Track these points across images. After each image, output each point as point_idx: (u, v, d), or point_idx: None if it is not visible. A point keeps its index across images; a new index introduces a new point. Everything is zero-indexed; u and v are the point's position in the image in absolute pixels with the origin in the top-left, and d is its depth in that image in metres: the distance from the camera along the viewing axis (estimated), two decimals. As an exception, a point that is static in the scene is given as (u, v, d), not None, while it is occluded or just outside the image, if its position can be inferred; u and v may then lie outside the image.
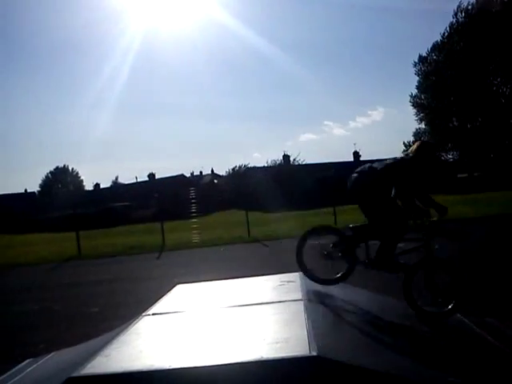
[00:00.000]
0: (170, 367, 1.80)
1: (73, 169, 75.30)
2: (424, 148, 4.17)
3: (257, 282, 3.79)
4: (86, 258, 15.71)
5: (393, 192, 4.16)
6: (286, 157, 49.99)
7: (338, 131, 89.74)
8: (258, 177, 40.03)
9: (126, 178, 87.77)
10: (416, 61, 41.23)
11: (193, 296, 3.39)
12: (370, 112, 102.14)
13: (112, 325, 5.13)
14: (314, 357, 1.76)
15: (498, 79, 38.93)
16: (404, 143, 44.23)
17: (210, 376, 1.75)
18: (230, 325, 2.47)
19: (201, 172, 63.67)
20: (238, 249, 14.58)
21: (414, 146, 4.23)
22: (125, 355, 2.05)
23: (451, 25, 39.33)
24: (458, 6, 38.72)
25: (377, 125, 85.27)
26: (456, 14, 38.93)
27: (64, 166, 74.37)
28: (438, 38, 40.35)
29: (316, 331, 2.08)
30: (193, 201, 22.82)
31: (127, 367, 1.85)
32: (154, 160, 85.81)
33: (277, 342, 2.00)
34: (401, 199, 4.13)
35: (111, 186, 67.39)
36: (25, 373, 2.56)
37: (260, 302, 2.87)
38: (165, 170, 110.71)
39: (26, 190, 67.57)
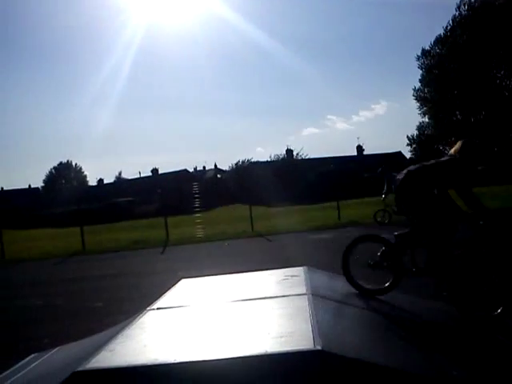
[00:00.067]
0: (175, 361, 1.80)
1: (76, 164, 75.48)
2: (468, 147, 4.12)
3: (261, 276, 3.79)
4: (90, 253, 15.75)
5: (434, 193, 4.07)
6: (289, 151, 49.93)
7: (341, 125, 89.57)
8: (262, 171, 40.00)
9: (130, 173, 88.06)
10: (419, 54, 41.03)
11: (197, 290, 3.40)
12: (373, 106, 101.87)
13: (116, 319, 5.15)
14: (318, 351, 1.76)
15: (502, 72, 38.69)
16: (408, 137, 44.12)
17: (214, 370, 1.75)
18: (234, 319, 2.47)
19: (204, 167, 63.67)
20: (241, 243, 14.59)
21: (458, 146, 4.18)
22: (129, 349, 2.06)
23: (454, 18, 39.11)
24: (461, -1, 38.52)
25: (380, 119, 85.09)
26: (459, 7, 38.71)
27: (67, 161, 74.54)
28: (441, 31, 40.16)
29: (320, 326, 2.08)
30: (196, 196, 22.84)
31: (132, 361, 1.85)
32: (157, 155, 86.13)
33: (281, 336, 2.00)
34: (444, 199, 4.03)
35: (115, 181, 67.53)
36: (31, 367, 2.58)
37: (264, 296, 2.88)
38: (168, 164, 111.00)
39: (29, 186, 67.82)
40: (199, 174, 58.33)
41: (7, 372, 2.52)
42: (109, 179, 67.85)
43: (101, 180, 65.32)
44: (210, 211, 30.68)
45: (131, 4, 75.94)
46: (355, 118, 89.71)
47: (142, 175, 59.71)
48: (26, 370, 2.53)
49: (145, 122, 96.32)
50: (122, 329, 2.39)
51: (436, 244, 4.00)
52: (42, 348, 3.93)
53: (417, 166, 4.26)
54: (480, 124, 38.21)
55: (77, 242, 17.06)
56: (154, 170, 58.59)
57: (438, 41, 40.20)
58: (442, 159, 4.31)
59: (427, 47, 40.86)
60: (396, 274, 4.00)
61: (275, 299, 2.77)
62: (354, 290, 3.81)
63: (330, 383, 1.76)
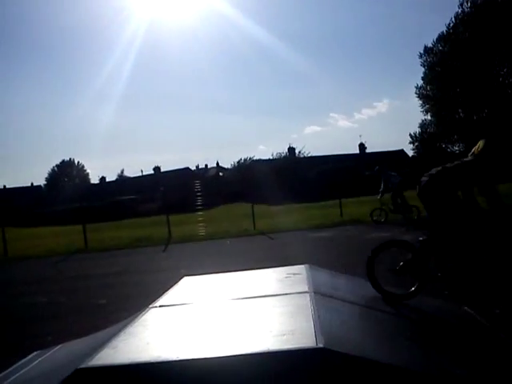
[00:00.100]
0: (178, 358, 1.81)
1: (79, 162, 75.60)
2: (490, 145, 4.09)
3: (263, 274, 3.79)
4: (92, 250, 15.78)
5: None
6: (291, 149, 49.92)
7: (344, 123, 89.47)
8: (264, 170, 39.99)
9: (132, 172, 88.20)
10: (421, 52, 40.96)
11: (199, 288, 3.41)
12: (375, 104, 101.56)
13: (119, 316, 5.16)
14: (320, 349, 1.77)
15: (505, 70, 38.59)
16: (410, 135, 44.08)
17: (216, 367, 1.75)
18: (236, 317, 2.48)
19: (206, 165, 63.67)
20: (243, 241, 14.60)
21: (480, 145, 4.15)
22: (132, 347, 2.06)
23: (457, 15, 39.00)
24: (464, -4, 38.38)
25: (382, 116, 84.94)
26: (462, 4, 38.60)
27: (70, 159, 74.67)
28: (444, 28, 40.06)
29: (322, 323, 2.08)
30: (198, 194, 22.85)
31: (134, 359, 1.86)
32: (159, 153, 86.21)
33: (283, 334, 2.00)
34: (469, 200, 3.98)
35: (117, 179, 67.61)
36: (33, 364, 2.59)
37: (266, 294, 2.88)
38: (170, 163, 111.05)
39: (32, 184, 67.94)
40: (201, 173, 58.34)
41: (10, 369, 2.53)
42: (111, 177, 68.04)
43: (103, 178, 65.44)
44: (212, 209, 30.69)
45: (133, 2, 75.90)
46: (357, 116, 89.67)
47: (145, 173, 59.78)
48: (28, 368, 2.54)
49: (147, 120, 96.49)
50: (125, 326, 2.40)
51: (460, 248, 3.98)
52: (46, 345, 3.95)
53: (439, 168, 4.20)
54: (482, 122, 38.11)
55: (79, 240, 17.10)
56: (156, 168, 58.64)
57: (441, 38, 40.09)
58: (466, 159, 4.26)
59: (430, 45, 40.80)
60: (421, 279, 3.97)
61: (277, 297, 2.77)
62: (356, 288, 3.81)
63: (332, 381, 1.76)
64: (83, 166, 76.08)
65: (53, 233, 24.99)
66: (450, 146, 42.45)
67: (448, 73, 37.97)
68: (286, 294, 2.82)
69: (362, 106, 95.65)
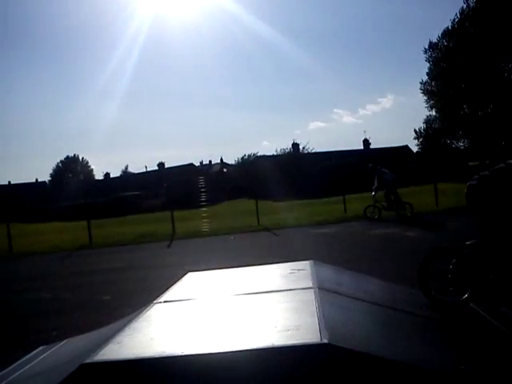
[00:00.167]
0: (182, 354, 1.81)
1: (83, 158, 75.80)
2: None
3: (267, 270, 3.79)
4: (97, 246, 15.82)
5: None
6: (295, 145, 49.81)
7: (348, 119, 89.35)
8: (267, 165, 39.97)
9: (136, 168, 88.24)
10: (426, 47, 40.73)
11: (204, 284, 3.41)
12: (379, 99, 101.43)
13: (124, 312, 5.17)
14: (324, 344, 1.77)
15: (510, 65, 38.30)
16: (415, 131, 43.91)
17: (221, 362, 1.76)
18: (240, 312, 2.48)
19: (210, 161, 63.75)
20: (247, 237, 14.60)
21: None
22: (137, 342, 2.07)
23: (462, 10, 38.74)
24: (470, -9, 38.13)
25: (387, 112, 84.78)
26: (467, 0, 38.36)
27: (74, 155, 74.85)
28: (449, 23, 39.82)
29: (327, 319, 2.08)
30: (202, 190, 22.87)
31: (139, 354, 1.86)
32: (163, 149, 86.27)
33: (288, 330, 2.00)
34: None
35: (121, 175, 67.77)
36: (39, 359, 2.60)
37: (271, 289, 2.88)
38: (174, 159, 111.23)
39: (36, 180, 68.18)
40: (205, 168, 58.42)
41: (16, 364, 2.54)
42: (115, 173, 68.17)
43: (107, 174, 65.57)
44: (216, 205, 30.70)
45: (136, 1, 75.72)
46: (362, 112, 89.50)
47: (149, 169, 59.88)
48: (34, 362, 2.55)
49: (151, 116, 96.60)
50: (130, 322, 2.40)
51: None
52: (50, 340, 3.97)
53: (486, 172, 4.10)
54: (488, 118, 37.94)
55: (84, 236, 17.14)
56: (161, 164, 58.68)
57: (446, 33, 39.85)
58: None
59: (435, 40, 40.56)
60: (473, 285, 3.90)
61: (281, 293, 2.77)
62: (360, 284, 3.80)
63: (337, 376, 1.76)
64: (87, 162, 76.37)
65: (57, 229, 25.07)
66: (454, 141, 42.29)
67: (453, 68, 37.77)
68: (291, 289, 2.82)
69: (366, 101, 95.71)
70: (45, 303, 7.64)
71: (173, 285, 3.33)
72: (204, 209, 19.77)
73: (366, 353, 1.87)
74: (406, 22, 78.90)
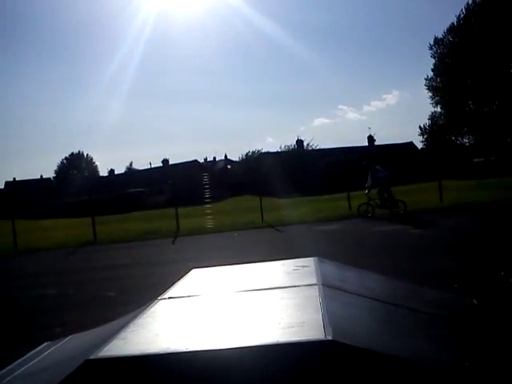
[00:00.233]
0: (187, 350, 1.81)
1: (87, 155, 76.02)
2: None
3: (271, 266, 3.79)
4: (101, 243, 15.88)
5: None
6: (299, 142, 49.75)
7: (352, 115, 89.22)
8: (272, 162, 39.94)
9: (141, 164, 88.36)
10: (432, 43, 40.60)
11: (208, 280, 3.41)
12: (384, 96, 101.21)
13: (128, 308, 5.19)
14: (329, 341, 1.76)
15: (516, 61, 38.19)
16: (420, 127, 43.80)
17: (225, 359, 1.76)
18: (245, 309, 2.48)
19: (214, 158, 63.85)
20: (251, 234, 14.62)
21: None
22: (141, 338, 2.07)
23: (467, 6, 38.61)
24: (475, -13, 37.95)
25: (391, 109, 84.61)
26: (473, -5, 38.18)
27: (79, 152, 75.09)
28: (454, 19, 39.65)
29: (331, 316, 2.07)
30: (206, 186, 22.89)
31: (144, 350, 1.86)
32: (167, 146, 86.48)
33: (292, 326, 2.00)
34: None
35: (125, 171, 67.97)
36: (43, 355, 2.61)
37: (275, 286, 2.88)
38: (178, 155, 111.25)
39: (41, 176, 68.47)
40: (209, 165, 58.46)
41: (20, 360, 2.55)
42: (120, 170, 68.41)
43: (112, 170, 65.75)
44: (220, 202, 30.75)
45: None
46: (366, 108, 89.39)
47: (153, 166, 59.99)
48: (38, 358, 2.56)
49: (156, 112, 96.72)
50: (134, 318, 2.41)
51: None
52: (55, 336, 3.99)
53: None
54: (493, 114, 37.79)
55: (88, 232, 17.21)
56: (165, 161, 58.78)
57: (451, 29, 39.71)
58: None
59: (440, 36, 40.43)
60: None
61: (286, 289, 2.77)
62: (365, 281, 3.79)
63: (342, 373, 1.75)
64: (92, 159, 76.60)
65: (62, 225, 25.17)
66: (459, 138, 42.20)
67: (458, 64, 37.63)
68: (295, 286, 2.82)
69: (371, 97, 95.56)
70: (49, 299, 7.68)
71: (177, 281, 3.33)
72: (208, 205, 19.80)
73: (370, 349, 1.87)
74: (411, 18, 78.66)
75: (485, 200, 16.27)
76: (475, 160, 38.91)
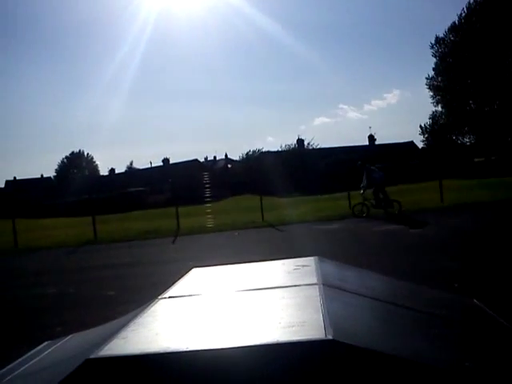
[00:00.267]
0: (187, 349, 1.81)
1: (88, 154, 76.03)
2: None
3: (272, 266, 3.79)
4: (101, 242, 15.89)
5: None
6: (300, 141, 49.71)
7: (353, 115, 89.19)
8: (272, 161, 39.92)
9: (141, 163, 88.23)
10: (433, 42, 40.56)
11: (208, 279, 3.41)
12: (385, 95, 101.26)
13: (129, 308, 5.19)
14: (329, 340, 1.76)
15: (517, 61, 38.15)
16: (420, 126, 43.74)
17: (226, 358, 1.76)
18: (245, 308, 2.48)
19: (215, 157, 63.85)
20: (252, 233, 14.62)
21: None
22: (141, 337, 2.07)
23: (469, 5, 38.55)
24: (477, -14, 37.90)
25: (392, 108, 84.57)
26: (474, -6, 38.13)
27: (79, 151, 75.12)
28: (456, 18, 39.61)
29: (332, 315, 2.07)
30: (207, 186, 22.90)
31: (144, 349, 1.86)
32: (168, 145, 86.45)
33: (292, 326, 2.00)
34: None
35: (126, 171, 68.00)
36: (44, 354, 2.61)
37: (275, 285, 2.88)
38: (179, 154, 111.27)
39: (42, 175, 68.54)
40: (210, 164, 58.46)
41: (20, 359, 2.56)
42: (120, 169, 68.46)
43: (112, 170, 65.75)
44: (221, 201, 30.75)
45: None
46: (367, 107, 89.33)
47: (153, 165, 59.98)
48: (39, 357, 2.56)
49: (156, 111, 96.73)
50: (134, 317, 2.41)
51: None
52: (55, 335, 3.99)
53: None
54: (494, 114, 37.76)
55: (89, 232, 17.21)
56: (165, 160, 58.75)
57: (453, 28, 39.66)
58: None
59: (441, 35, 40.37)
60: None
61: (286, 289, 2.76)
62: (365, 280, 3.79)
63: (342, 372, 1.75)
64: (92, 158, 76.60)
65: (62, 224, 25.18)
66: (460, 137, 42.16)
67: (459, 64, 37.59)
68: (295, 285, 2.81)
69: (371, 97, 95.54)
70: (50, 298, 7.68)
71: (178, 280, 3.34)
72: (208, 205, 19.81)
73: (371, 349, 1.86)
74: (412, 17, 78.59)
75: (485, 200, 16.28)
76: (476, 159, 38.90)
